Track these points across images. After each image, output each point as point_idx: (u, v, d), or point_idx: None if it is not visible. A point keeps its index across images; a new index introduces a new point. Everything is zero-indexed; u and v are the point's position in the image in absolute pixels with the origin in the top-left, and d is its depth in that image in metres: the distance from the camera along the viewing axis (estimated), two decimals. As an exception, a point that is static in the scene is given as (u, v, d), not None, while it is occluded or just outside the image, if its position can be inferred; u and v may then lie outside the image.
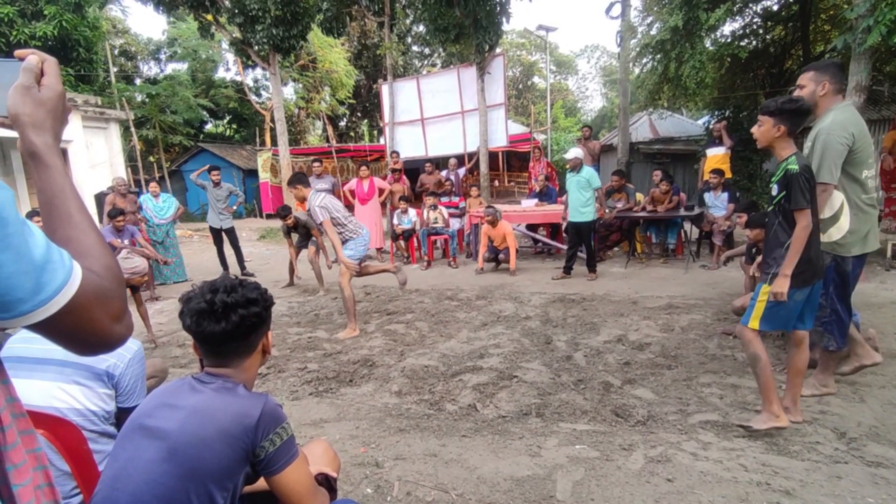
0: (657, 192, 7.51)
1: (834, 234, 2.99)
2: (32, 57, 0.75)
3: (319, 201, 4.63)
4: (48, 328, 0.63)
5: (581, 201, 6.51)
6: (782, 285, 2.53)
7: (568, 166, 6.68)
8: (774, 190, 2.64)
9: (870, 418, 2.80)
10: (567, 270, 6.83)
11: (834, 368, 3.19)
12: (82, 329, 0.66)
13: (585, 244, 6.73)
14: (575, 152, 6.65)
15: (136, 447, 1.17)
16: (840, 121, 2.91)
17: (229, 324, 1.24)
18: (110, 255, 0.73)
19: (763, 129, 2.64)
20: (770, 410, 2.61)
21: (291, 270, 7.05)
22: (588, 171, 6.52)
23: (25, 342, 1.69)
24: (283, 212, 6.73)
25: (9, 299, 0.58)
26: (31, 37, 13.71)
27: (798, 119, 2.59)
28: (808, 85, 3.08)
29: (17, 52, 0.76)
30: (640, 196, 8.45)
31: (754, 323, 2.66)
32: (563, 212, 7.06)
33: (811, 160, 2.98)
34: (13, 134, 0.72)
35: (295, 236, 7.02)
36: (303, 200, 5.10)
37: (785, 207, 2.58)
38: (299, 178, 5.05)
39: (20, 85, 0.73)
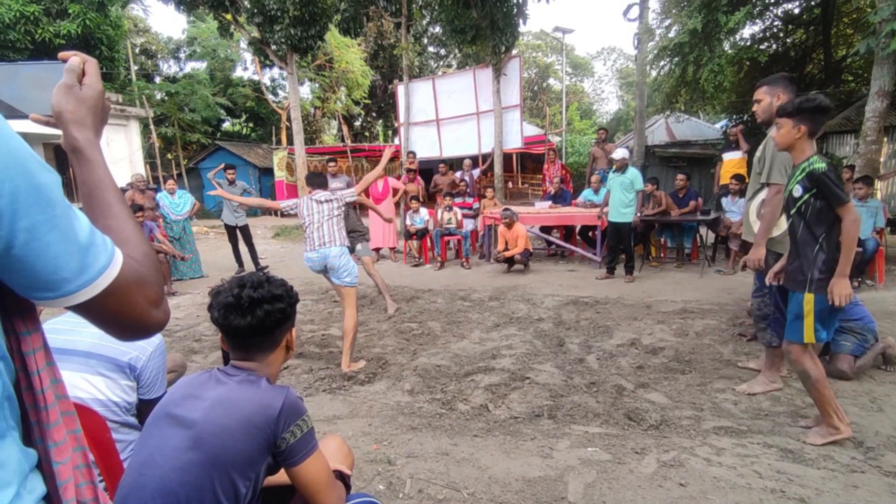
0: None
1: (774, 231, 3.18)
2: (75, 58, 0.79)
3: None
4: (91, 310, 0.66)
5: (623, 202, 6.52)
6: (845, 286, 2.40)
7: (615, 166, 6.69)
8: (797, 191, 2.53)
9: (888, 428, 2.76)
10: (611, 270, 6.87)
11: (779, 364, 3.31)
12: (123, 312, 0.68)
13: (624, 245, 6.75)
14: (622, 153, 6.65)
15: (163, 435, 1.20)
16: None
17: (255, 318, 1.29)
18: (147, 244, 0.76)
19: (783, 132, 2.59)
20: (829, 423, 2.60)
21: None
22: (633, 172, 6.52)
23: (50, 332, 1.73)
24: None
25: (56, 278, 0.60)
26: (56, 35, 13.98)
27: (818, 117, 2.53)
28: (764, 98, 3.21)
29: (61, 54, 0.80)
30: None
31: (809, 336, 2.51)
32: (600, 210, 7.09)
33: (763, 164, 3.14)
34: (41, 129, 0.76)
35: None
36: None
37: (813, 207, 2.47)
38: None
39: (63, 84, 0.77)
